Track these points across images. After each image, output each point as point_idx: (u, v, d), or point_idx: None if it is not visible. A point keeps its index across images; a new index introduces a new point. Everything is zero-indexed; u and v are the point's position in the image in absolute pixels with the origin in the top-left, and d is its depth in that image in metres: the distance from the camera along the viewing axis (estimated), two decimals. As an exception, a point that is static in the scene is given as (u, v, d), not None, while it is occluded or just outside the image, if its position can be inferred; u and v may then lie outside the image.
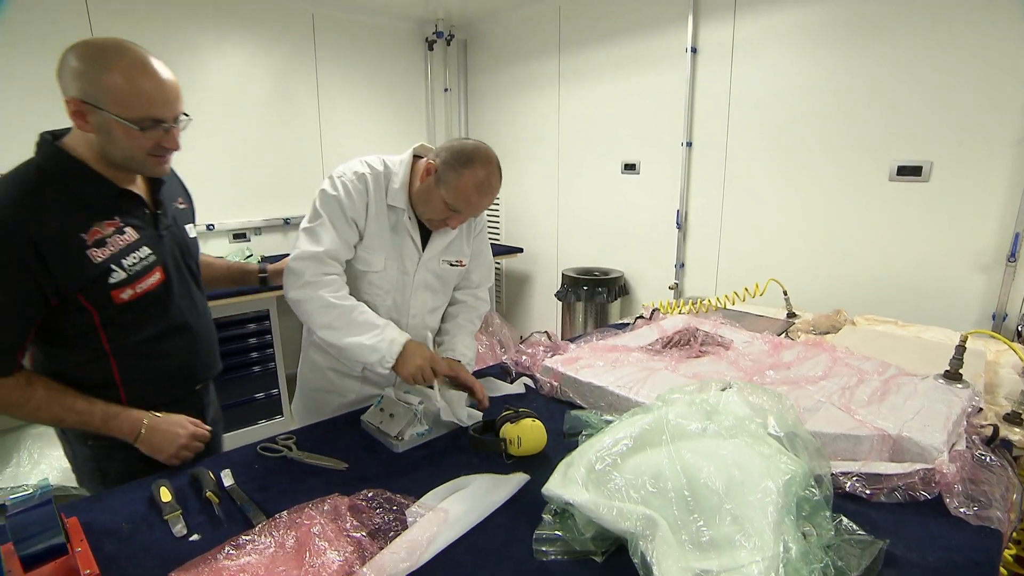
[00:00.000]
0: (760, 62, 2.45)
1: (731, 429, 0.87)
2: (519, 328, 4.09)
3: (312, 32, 3.38)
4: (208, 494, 0.95)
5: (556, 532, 0.82)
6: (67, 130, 1.05)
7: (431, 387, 1.23)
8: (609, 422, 1.02)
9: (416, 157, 1.33)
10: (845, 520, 0.82)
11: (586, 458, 0.88)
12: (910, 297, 2.19)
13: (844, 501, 0.93)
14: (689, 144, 2.76)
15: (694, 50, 2.66)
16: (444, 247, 1.40)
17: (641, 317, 1.88)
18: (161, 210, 1.15)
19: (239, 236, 3.31)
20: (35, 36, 2.53)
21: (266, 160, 3.32)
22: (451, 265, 1.43)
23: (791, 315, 2.00)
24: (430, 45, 3.83)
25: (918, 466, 0.95)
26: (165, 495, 0.96)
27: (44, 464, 2.35)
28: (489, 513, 0.91)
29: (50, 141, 1.02)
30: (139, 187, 1.13)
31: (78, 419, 1.04)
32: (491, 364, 1.62)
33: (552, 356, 1.55)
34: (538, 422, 1.11)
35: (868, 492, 0.95)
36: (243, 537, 0.78)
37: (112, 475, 1.13)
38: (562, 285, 3.27)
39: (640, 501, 0.79)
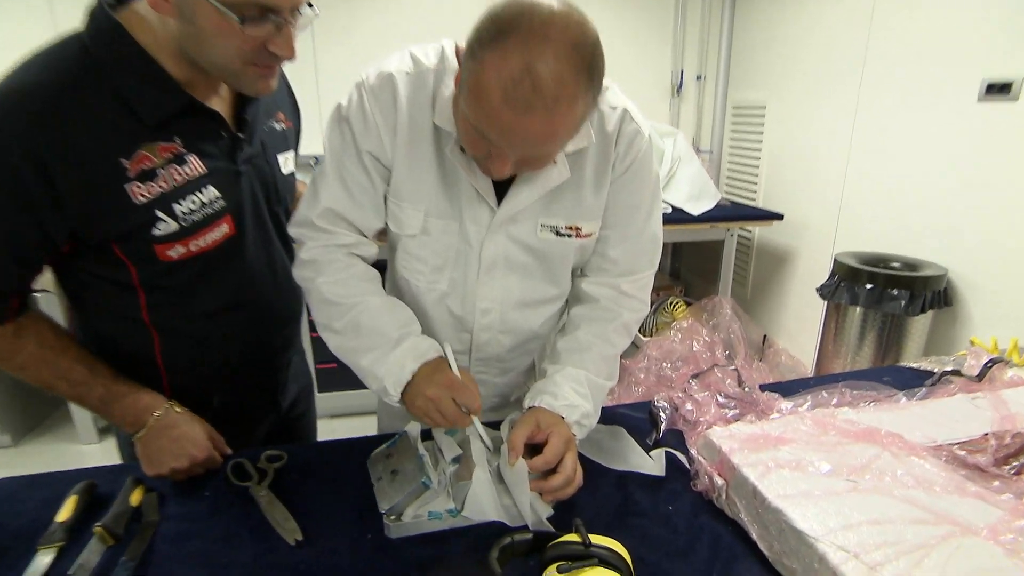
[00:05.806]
0: None
1: None
2: (763, 326, 3.10)
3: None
4: (97, 529, 0.66)
5: None
6: None
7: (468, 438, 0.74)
8: None
9: None
10: None
11: None
12: None
13: None
14: None
15: None
16: (540, 199, 0.79)
17: (955, 372, 0.97)
18: (245, 133, 0.83)
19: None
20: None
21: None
22: (557, 234, 0.82)
23: None
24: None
25: None
26: (65, 511, 0.70)
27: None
28: None
29: (106, 13, 0.71)
30: (220, 99, 0.82)
31: (71, 391, 0.79)
32: (626, 402, 0.99)
33: (735, 420, 0.86)
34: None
35: None
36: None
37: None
38: (832, 276, 2.24)
39: None
